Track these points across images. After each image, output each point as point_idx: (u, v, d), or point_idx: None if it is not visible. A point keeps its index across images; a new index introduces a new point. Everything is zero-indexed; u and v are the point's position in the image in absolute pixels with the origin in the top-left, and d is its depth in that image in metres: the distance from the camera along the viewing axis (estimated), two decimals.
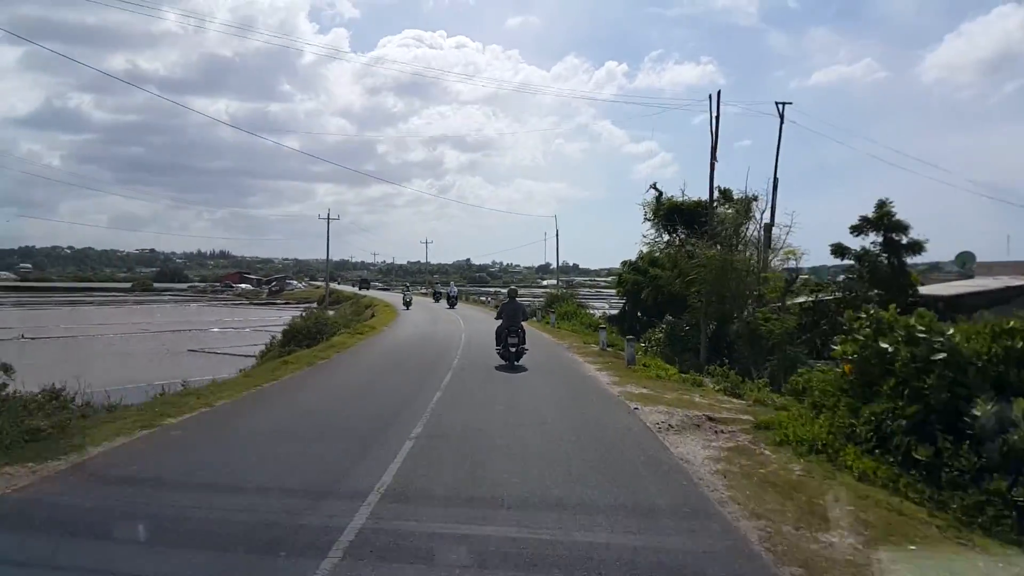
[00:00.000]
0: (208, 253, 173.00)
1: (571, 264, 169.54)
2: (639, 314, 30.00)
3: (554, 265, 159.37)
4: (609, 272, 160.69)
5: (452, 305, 41.27)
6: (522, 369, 13.89)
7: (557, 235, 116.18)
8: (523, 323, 14.88)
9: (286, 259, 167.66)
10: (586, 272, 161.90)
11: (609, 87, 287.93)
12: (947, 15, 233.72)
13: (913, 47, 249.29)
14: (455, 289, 47.02)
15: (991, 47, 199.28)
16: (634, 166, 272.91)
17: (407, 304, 39.81)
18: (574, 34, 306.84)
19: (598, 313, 39.06)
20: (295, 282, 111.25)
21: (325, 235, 65.55)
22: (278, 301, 79.99)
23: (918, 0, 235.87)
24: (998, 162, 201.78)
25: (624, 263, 32.36)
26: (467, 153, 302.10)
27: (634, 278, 29.97)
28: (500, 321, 14.83)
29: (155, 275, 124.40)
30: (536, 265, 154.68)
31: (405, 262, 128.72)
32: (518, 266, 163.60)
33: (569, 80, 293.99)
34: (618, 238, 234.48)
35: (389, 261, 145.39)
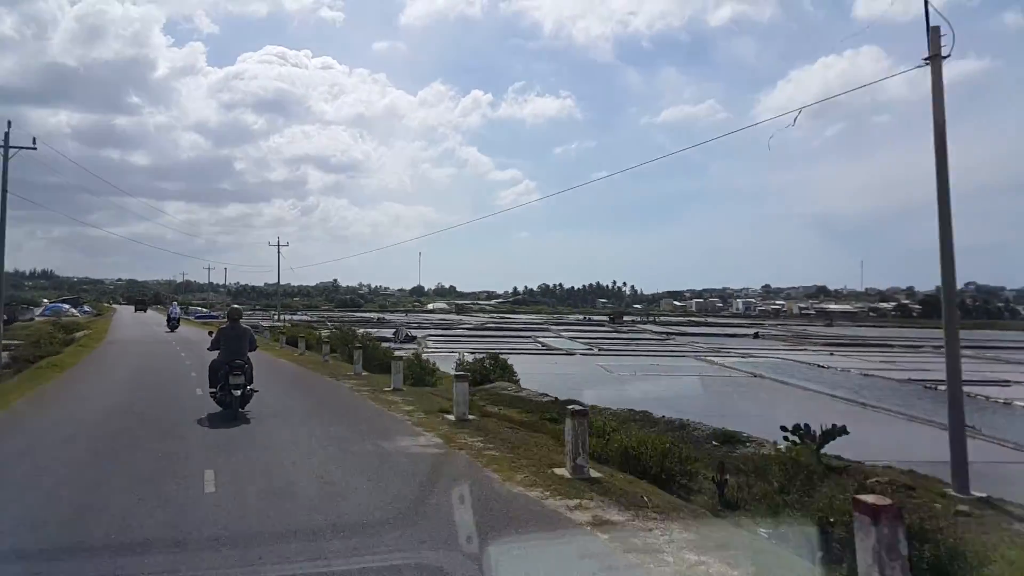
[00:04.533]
0: (28, 273, 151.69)
1: (447, 287, 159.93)
2: None
3: (428, 287, 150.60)
4: (490, 296, 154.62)
5: (173, 328, 38.16)
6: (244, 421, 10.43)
7: None
8: (250, 355, 11.58)
9: (119, 280, 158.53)
10: (462, 295, 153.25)
11: (474, 115, 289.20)
12: (780, 62, 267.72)
13: (750, 91, 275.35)
14: (177, 310, 44.33)
15: (816, 93, 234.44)
16: (499, 192, 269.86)
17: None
18: (441, 61, 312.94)
19: None
20: (66, 306, 77.81)
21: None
22: None
23: (756, 48, 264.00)
24: (821, 196, 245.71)
25: None
26: (332, 174, 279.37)
27: None
28: (216, 353, 11.41)
29: None
30: (409, 287, 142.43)
31: (262, 284, 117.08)
32: (388, 288, 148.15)
33: (436, 106, 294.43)
34: (488, 263, 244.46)
35: (244, 283, 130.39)
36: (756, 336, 57.99)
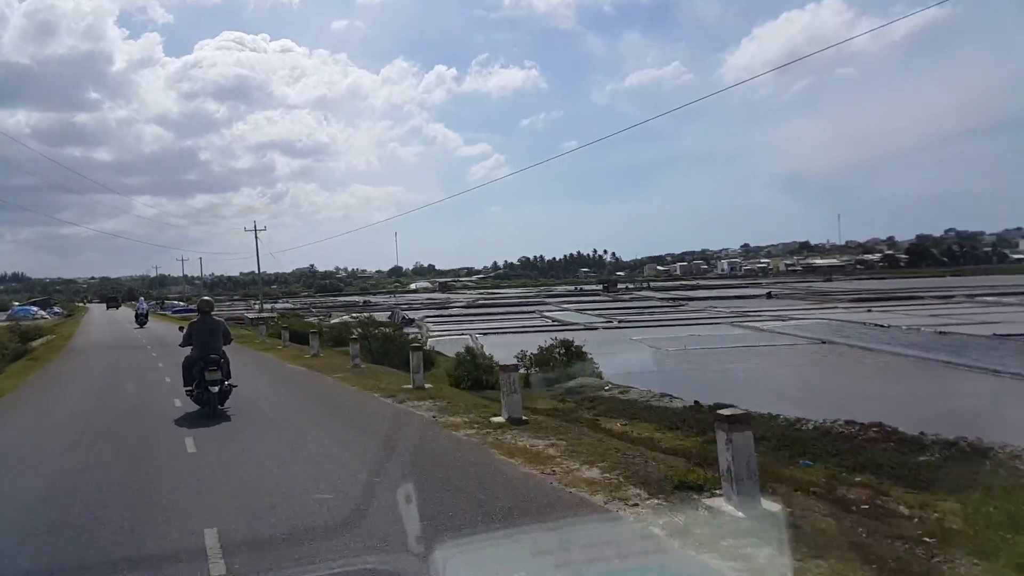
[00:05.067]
0: None
1: (426, 265, 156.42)
2: None
3: (406, 267, 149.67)
4: (470, 272, 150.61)
5: (142, 324, 37.05)
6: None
7: None
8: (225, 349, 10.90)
9: (92, 278, 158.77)
10: (442, 273, 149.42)
11: (439, 91, 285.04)
12: (743, 19, 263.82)
13: (715, 51, 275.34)
14: (144, 306, 43.06)
15: (780, 49, 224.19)
16: (469, 167, 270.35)
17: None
18: (402, 37, 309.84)
19: None
20: (35, 309, 72.38)
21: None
22: None
23: (718, 6, 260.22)
24: (793, 153, 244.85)
25: None
26: (299, 159, 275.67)
27: None
28: (190, 349, 10.76)
29: None
30: (387, 268, 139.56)
31: (237, 273, 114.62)
32: (365, 270, 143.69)
33: (399, 84, 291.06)
34: (464, 239, 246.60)
35: (219, 274, 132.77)
36: (770, 296, 55.47)
